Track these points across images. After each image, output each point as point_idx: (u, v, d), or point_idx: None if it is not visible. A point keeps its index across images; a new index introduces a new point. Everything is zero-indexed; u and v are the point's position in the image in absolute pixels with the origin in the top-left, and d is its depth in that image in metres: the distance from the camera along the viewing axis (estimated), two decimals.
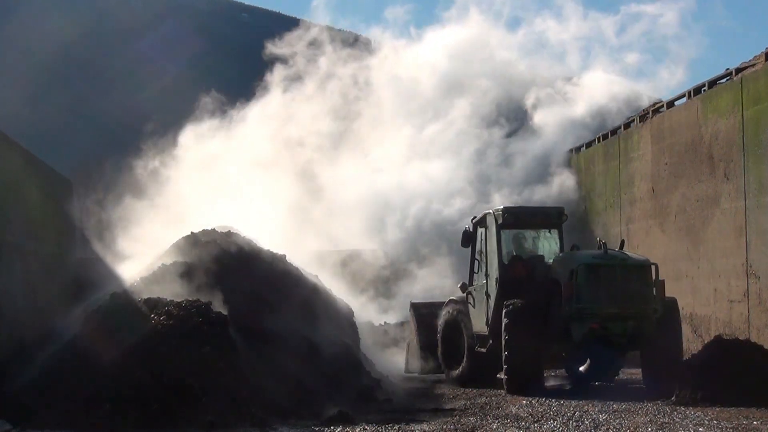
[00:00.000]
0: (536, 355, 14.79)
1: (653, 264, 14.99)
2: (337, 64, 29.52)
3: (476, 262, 17.05)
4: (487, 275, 16.49)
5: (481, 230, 16.91)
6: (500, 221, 16.28)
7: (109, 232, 17.46)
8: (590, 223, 22.91)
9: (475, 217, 17.29)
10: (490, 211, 16.80)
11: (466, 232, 17.08)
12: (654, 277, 14.87)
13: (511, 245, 16.78)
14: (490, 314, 16.02)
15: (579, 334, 14.74)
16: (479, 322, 16.52)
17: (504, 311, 15.03)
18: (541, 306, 15.01)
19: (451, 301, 17.50)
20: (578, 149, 25.23)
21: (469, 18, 31.02)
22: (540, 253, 16.77)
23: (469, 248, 17.24)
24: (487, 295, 16.29)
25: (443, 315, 17.45)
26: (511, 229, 16.72)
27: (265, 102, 28.50)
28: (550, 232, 17.11)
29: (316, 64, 29.73)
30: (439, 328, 17.54)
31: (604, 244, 15.30)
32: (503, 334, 14.90)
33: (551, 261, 16.08)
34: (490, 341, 15.85)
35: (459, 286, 17.45)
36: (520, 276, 15.86)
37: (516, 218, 16.56)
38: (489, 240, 16.52)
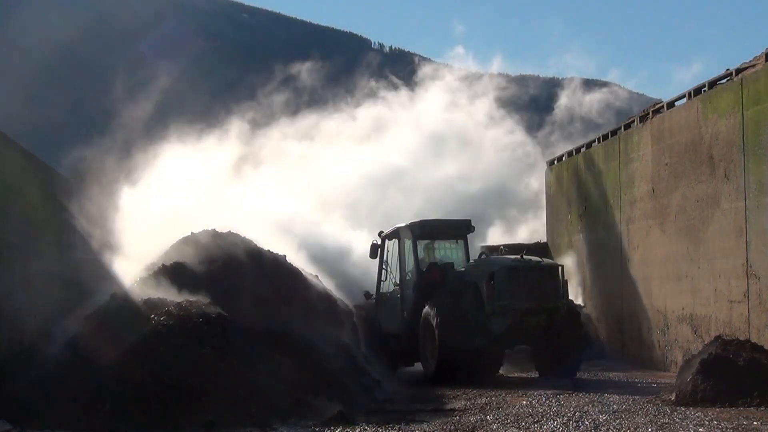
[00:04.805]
0: (467, 346, 16.05)
1: (560, 265, 17.02)
2: None
3: (383, 271, 18.61)
4: (399, 282, 18.00)
5: (390, 243, 18.41)
6: (417, 233, 17.76)
7: (108, 231, 17.44)
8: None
9: (382, 232, 18.61)
10: (404, 225, 18.08)
11: (374, 245, 18.55)
12: (561, 277, 16.65)
13: (424, 254, 18.22)
14: (406, 315, 17.48)
15: (500, 327, 16.24)
16: (392, 324, 18.07)
17: (433, 311, 16.36)
18: (459, 306, 16.50)
19: (356, 306, 18.72)
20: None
21: None
22: (448, 261, 18.17)
23: (377, 260, 18.60)
24: (402, 299, 17.75)
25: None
26: (423, 240, 18.19)
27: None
28: (457, 242, 18.66)
29: None
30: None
31: (525, 250, 17.30)
32: (435, 331, 16.19)
33: (462, 267, 17.61)
34: (405, 338, 17.42)
35: (363, 293, 18.86)
36: (436, 281, 17.29)
37: (430, 230, 18.21)
38: (403, 250, 17.99)
